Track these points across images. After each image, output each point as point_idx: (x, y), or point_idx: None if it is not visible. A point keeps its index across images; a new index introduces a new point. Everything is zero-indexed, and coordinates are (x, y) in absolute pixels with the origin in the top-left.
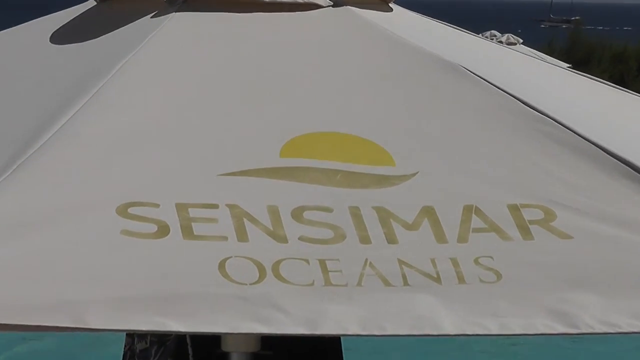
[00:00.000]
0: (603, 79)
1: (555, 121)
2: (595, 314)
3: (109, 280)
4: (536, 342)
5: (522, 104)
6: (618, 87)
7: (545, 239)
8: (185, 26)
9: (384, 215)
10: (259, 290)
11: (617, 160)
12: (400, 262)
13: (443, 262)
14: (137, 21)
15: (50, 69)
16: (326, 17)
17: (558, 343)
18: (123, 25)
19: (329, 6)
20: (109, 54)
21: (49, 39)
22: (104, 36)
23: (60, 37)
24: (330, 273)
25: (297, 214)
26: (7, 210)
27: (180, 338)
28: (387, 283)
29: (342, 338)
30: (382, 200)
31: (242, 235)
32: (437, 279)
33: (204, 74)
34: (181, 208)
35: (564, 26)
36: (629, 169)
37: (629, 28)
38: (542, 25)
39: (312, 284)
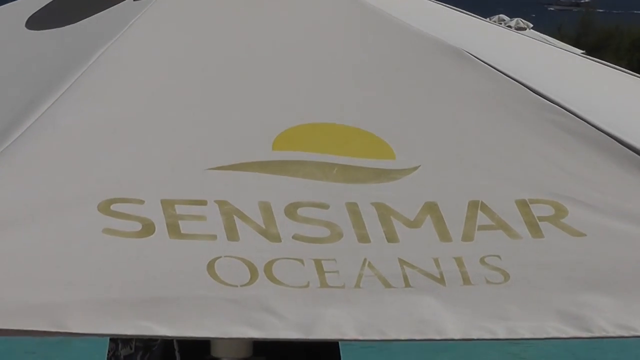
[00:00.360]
0: (620, 67)
1: (567, 110)
2: (610, 317)
3: (91, 282)
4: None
5: (531, 92)
6: (637, 74)
7: (555, 236)
8: (171, 9)
9: (384, 212)
10: (251, 292)
11: (633, 152)
12: (401, 262)
13: (447, 262)
14: (119, 4)
15: (26, 56)
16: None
17: None
18: (105, 9)
19: None
20: (89, 39)
21: (25, 23)
22: (84, 20)
23: (38, 20)
24: (326, 274)
25: (291, 210)
26: None
27: (167, 343)
28: (387, 284)
29: (340, 343)
30: (381, 196)
31: (232, 234)
32: (441, 280)
33: (191, 60)
34: (167, 205)
35: (574, 10)
36: None
37: (639, 12)
38: (551, 9)
39: (307, 285)
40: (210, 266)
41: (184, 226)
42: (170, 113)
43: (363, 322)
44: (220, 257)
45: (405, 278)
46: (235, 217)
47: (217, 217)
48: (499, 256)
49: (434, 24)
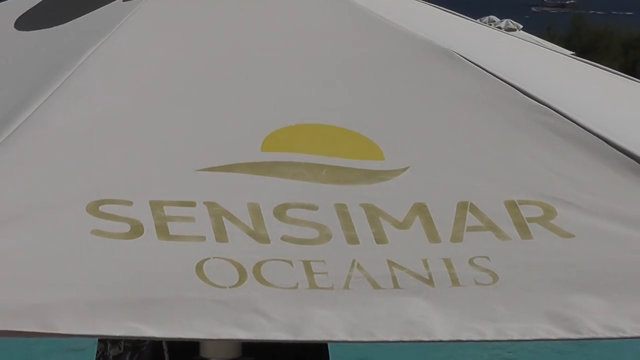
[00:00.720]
0: (612, 69)
1: (557, 112)
2: (598, 318)
3: (80, 283)
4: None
5: (521, 93)
6: (627, 76)
7: (544, 237)
8: (162, 9)
9: (373, 213)
10: (240, 293)
11: (622, 154)
12: (390, 263)
13: (436, 263)
14: (109, 4)
15: (16, 56)
16: (311, 0)
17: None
18: (94, 8)
19: None
20: (79, 39)
21: (14, 24)
22: (74, 20)
23: (27, 21)
24: (315, 275)
25: (280, 212)
26: None
27: (156, 344)
28: (376, 286)
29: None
30: (370, 197)
31: (221, 235)
32: (430, 281)
33: (181, 61)
34: (156, 206)
35: (562, 11)
36: (635, 162)
37: (630, 13)
38: (535, 10)
39: (296, 287)
40: (199, 267)
41: (173, 227)
42: (160, 114)
43: (352, 323)
44: (209, 258)
45: (394, 279)
46: (224, 218)
47: (205, 218)
48: (487, 257)
49: (423, 25)
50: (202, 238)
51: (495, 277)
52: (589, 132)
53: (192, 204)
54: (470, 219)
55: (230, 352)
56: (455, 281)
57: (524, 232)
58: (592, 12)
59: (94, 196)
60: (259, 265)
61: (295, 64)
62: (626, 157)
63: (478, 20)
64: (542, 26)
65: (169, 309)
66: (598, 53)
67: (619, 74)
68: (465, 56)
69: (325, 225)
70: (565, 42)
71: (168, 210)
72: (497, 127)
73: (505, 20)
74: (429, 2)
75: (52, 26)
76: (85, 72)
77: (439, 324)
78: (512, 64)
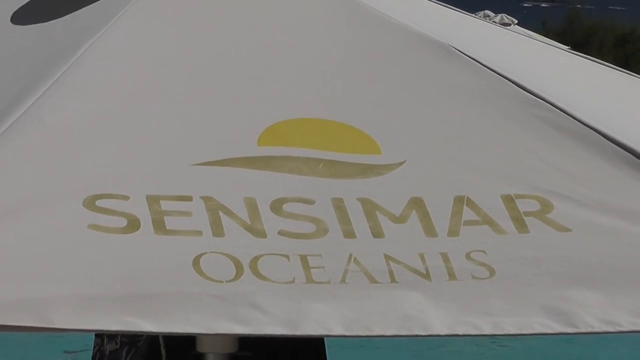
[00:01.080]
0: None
1: (553, 106)
2: (595, 312)
3: (76, 278)
4: None
5: (517, 87)
6: (621, 69)
7: (541, 231)
8: (157, 3)
9: (370, 208)
10: (236, 288)
11: (619, 147)
12: (387, 257)
13: (432, 258)
14: None
15: (11, 51)
16: None
17: None
18: (90, 3)
19: None
20: (75, 34)
21: (10, 18)
22: (70, 15)
23: (23, 15)
24: (312, 269)
25: (277, 206)
26: None
27: (152, 339)
28: (372, 280)
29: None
30: (367, 191)
31: (217, 230)
32: (427, 276)
33: (177, 55)
34: (152, 200)
35: (554, 5)
36: (632, 156)
37: (624, 8)
38: (530, 5)
39: (293, 281)
40: (196, 262)
41: (170, 222)
42: (156, 108)
43: (349, 317)
44: (206, 253)
45: (391, 273)
46: (220, 212)
47: (202, 212)
48: (484, 251)
49: (420, 19)
50: (199, 232)
51: (492, 271)
52: (585, 126)
53: (188, 199)
54: (467, 213)
55: (226, 347)
56: (452, 275)
57: (521, 226)
58: (587, 7)
59: (90, 191)
60: (255, 259)
61: (291, 58)
62: (623, 150)
63: (473, 15)
64: (537, 21)
65: (166, 303)
66: (592, 48)
67: (615, 68)
68: (461, 50)
69: (322, 219)
70: (560, 37)
71: (165, 205)
72: (493, 121)
73: (500, 15)
74: None
75: (47, 21)
76: (81, 67)
77: (436, 318)
78: (509, 58)
